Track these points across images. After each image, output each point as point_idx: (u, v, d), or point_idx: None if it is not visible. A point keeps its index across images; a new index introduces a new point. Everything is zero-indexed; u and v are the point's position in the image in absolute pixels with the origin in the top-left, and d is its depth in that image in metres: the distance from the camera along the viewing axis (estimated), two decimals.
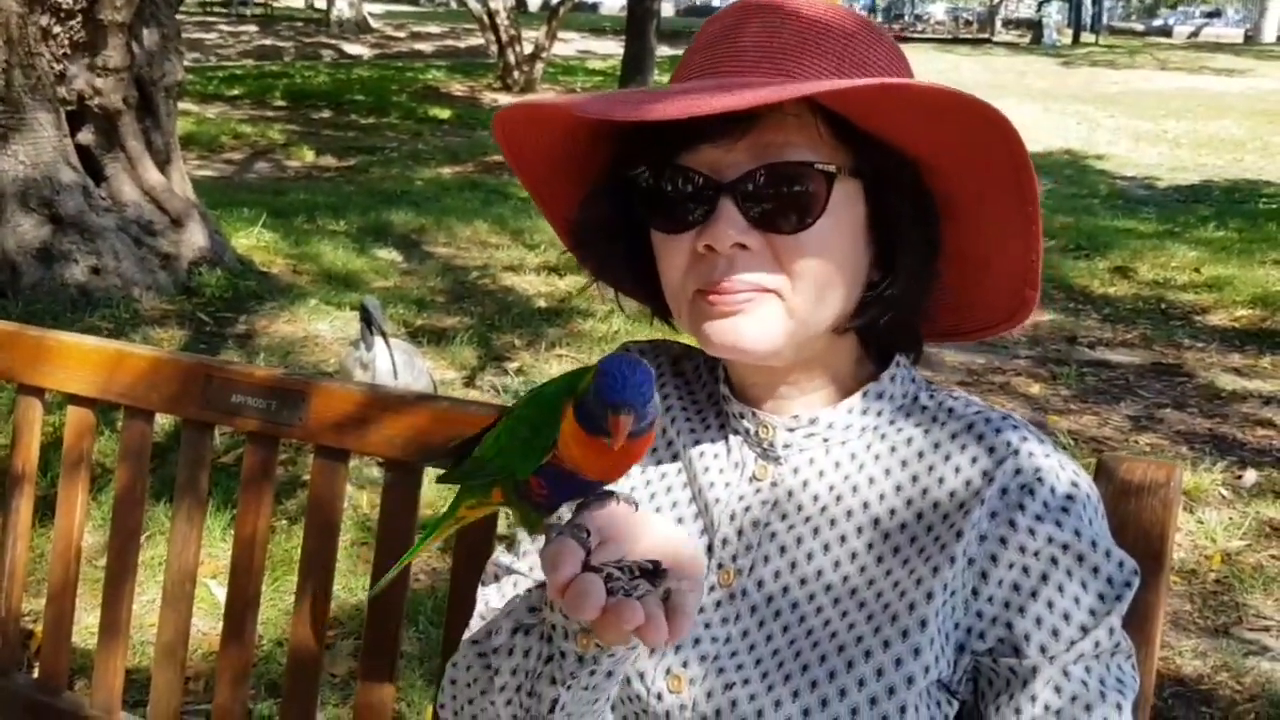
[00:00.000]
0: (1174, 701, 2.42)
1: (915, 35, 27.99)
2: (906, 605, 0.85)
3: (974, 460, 0.89)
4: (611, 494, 0.78)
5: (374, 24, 24.27)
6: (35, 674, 1.76)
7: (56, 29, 4.95)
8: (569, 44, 21.22)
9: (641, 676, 0.90)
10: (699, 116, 0.79)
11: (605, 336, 4.83)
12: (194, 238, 5.34)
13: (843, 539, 0.90)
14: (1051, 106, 14.48)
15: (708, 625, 0.90)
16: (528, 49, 15.58)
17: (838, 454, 0.93)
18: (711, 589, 0.92)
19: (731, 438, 0.96)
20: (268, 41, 20.97)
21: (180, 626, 1.53)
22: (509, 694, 0.87)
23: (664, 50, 16.50)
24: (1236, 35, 30.24)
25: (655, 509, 0.97)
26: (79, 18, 4.95)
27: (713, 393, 0.99)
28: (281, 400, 1.46)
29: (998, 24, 28.72)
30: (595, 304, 5.12)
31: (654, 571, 0.72)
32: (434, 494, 2.97)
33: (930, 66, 18.20)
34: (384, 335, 3.34)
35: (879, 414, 0.94)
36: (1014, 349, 4.88)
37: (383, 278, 5.85)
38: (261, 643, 2.46)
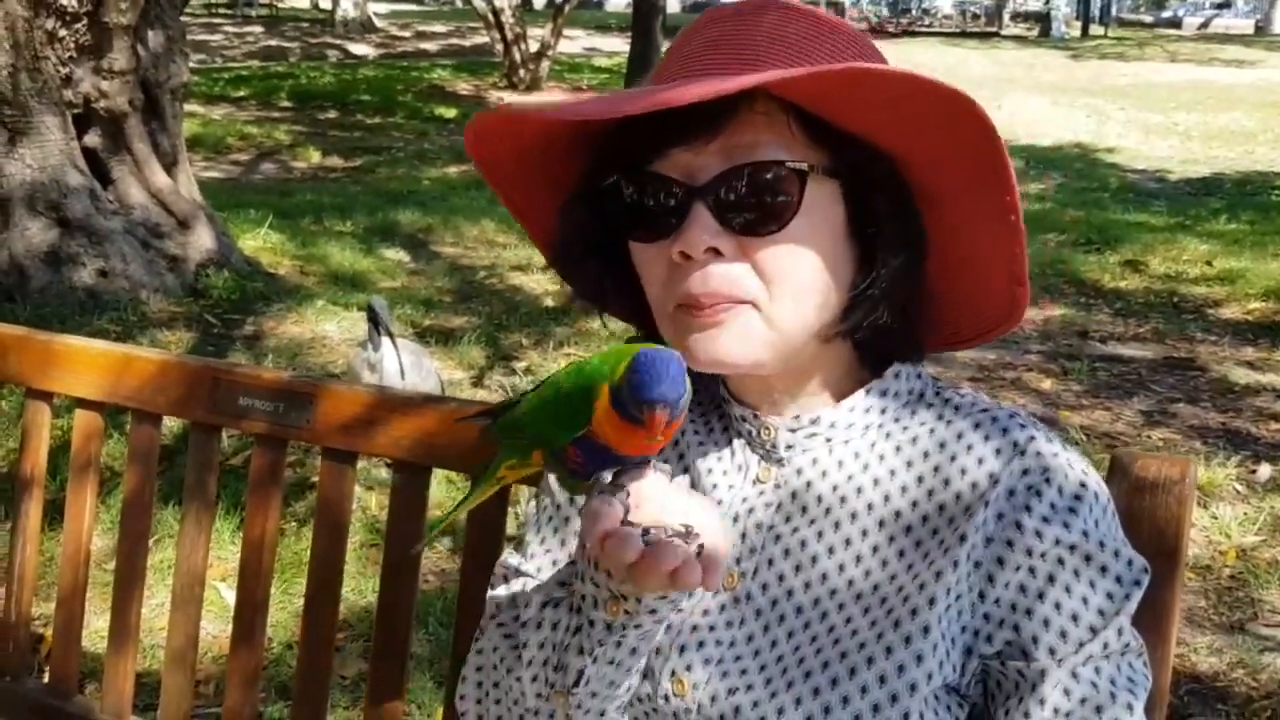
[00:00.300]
0: (1189, 699, 2.40)
1: (922, 29, 27.87)
2: (909, 610, 0.84)
3: (980, 461, 0.87)
4: (647, 461, 0.80)
5: (379, 23, 24.29)
6: (46, 678, 1.77)
7: (62, 32, 4.96)
8: (574, 41, 21.21)
9: (652, 675, 0.90)
10: (667, 121, 0.79)
11: (613, 334, 4.82)
12: (201, 240, 5.35)
13: (848, 542, 0.89)
14: (1060, 99, 14.41)
15: (712, 628, 0.89)
16: (533, 47, 15.57)
17: (841, 453, 0.92)
18: (716, 592, 0.91)
19: (735, 440, 0.95)
20: (273, 42, 21.01)
21: (190, 630, 1.53)
22: (535, 669, 0.88)
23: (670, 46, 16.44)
24: (1246, 26, 30.03)
25: None
26: (84, 21, 4.95)
27: (715, 395, 0.98)
28: (289, 403, 1.46)
29: (1005, 17, 28.57)
30: None
31: (685, 534, 0.75)
32: (442, 494, 2.96)
33: (938, 61, 18.14)
34: (390, 336, 3.33)
35: (883, 411, 0.92)
36: (1025, 344, 4.85)
37: (390, 278, 5.85)
38: (271, 645, 2.46)
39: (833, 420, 0.91)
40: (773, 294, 0.85)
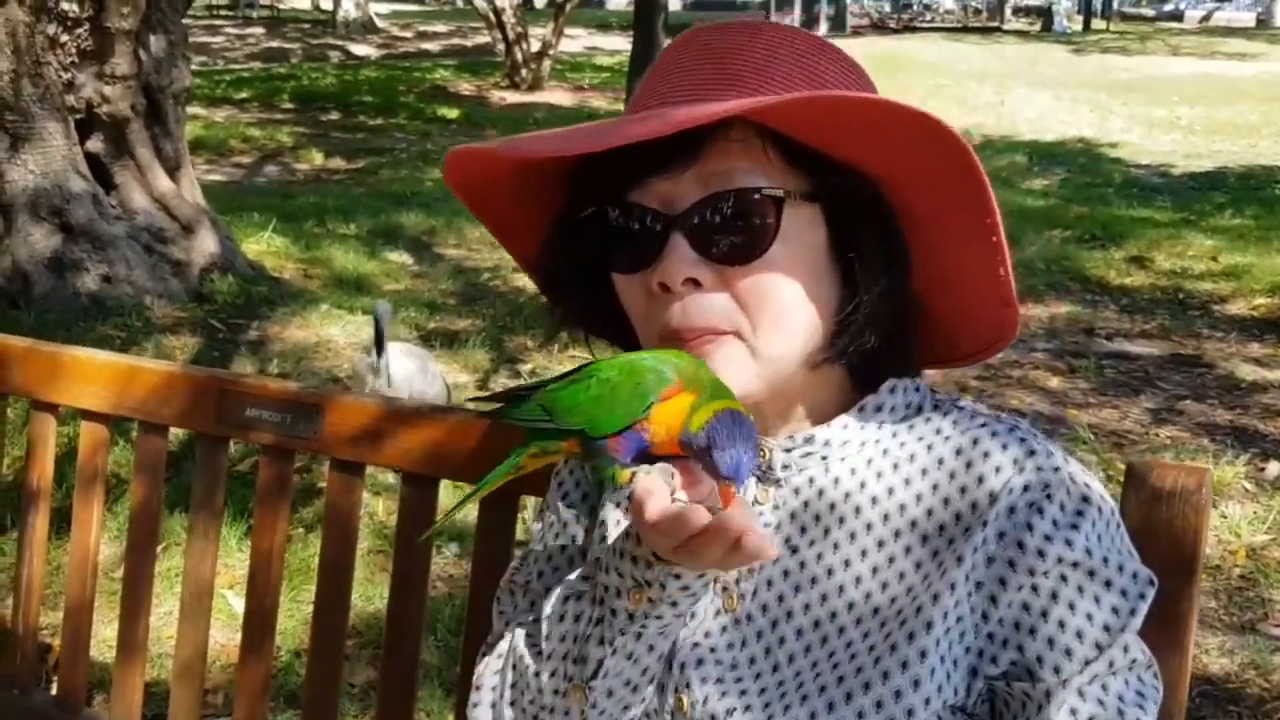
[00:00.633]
0: (1201, 701, 2.39)
1: (924, 25, 27.81)
2: (906, 635, 0.83)
3: (980, 480, 0.86)
4: (683, 457, 0.81)
5: (380, 24, 24.29)
6: (54, 690, 1.76)
7: (64, 37, 4.96)
8: (576, 40, 21.19)
9: (661, 690, 0.89)
10: (643, 150, 0.78)
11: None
12: (205, 244, 5.35)
13: (846, 563, 0.88)
14: (1063, 94, 14.38)
15: (713, 649, 0.89)
16: (535, 46, 15.56)
17: (838, 470, 0.90)
18: (717, 613, 0.91)
19: None
20: (274, 44, 21.01)
21: (198, 642, 1.52)
22: (555, 663, 0.88)
23: None
24: (1248, 19, 29.93)
25: None
26: (86, 26, 4.95)
27: None
28: (296, 413, 1.45)
29: (1007, 12, 28.50)
30: None
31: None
32: (450, 504, 2.95)
33: (940, 56, 18.11)
34: (381, 348, 3.29)
35: (879, 426, 0.91)
36: (1031, 342, 4.84)
37: (394, 281, 5.85)
38: (280, 654, 2.46)
39: (827, 439, 0.90)
40: (755, 323, 0.84)
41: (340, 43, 21.28)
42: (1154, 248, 6.35)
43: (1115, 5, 29.76)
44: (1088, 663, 0.81)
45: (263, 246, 6.16)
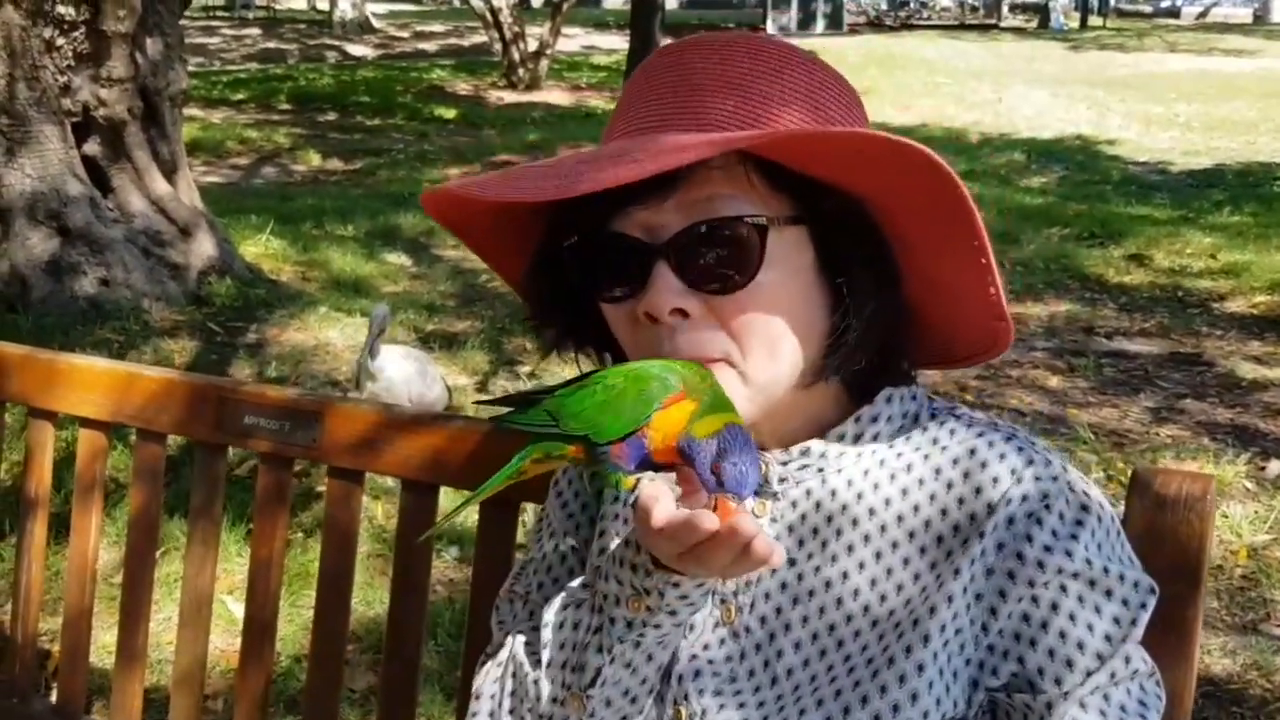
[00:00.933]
0: (1204, 702, 2.38)
1: (921, 22, 27.82)
2: (903, 648, 0.82)
3: (978, 491, 0.85)
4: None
5: (377, 24, 24.26)
6: (53, 697, 1.76)
7: (60, 41, 4.94)
8: (573, 39, 21.17)
9: (660, 701, 0.89)
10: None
11: None
12: (202, 247, 5.34)
13: (845, 576, 0.87)
14: (1060, 92, 14.37)
15: (711, 661, 0.89)
16: (532, 46, 15.54)
17: (835, 482, 0.90)
18: (716, 625, 0.90)
19: None
20: (271, 44, 20.98)
21: (198, 651, 1.52)
22: (554, 670, 0.88)
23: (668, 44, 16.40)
24: (1245, 15, 29.94)
25: None
26: (82, 29, 4.94)
27: None
28: (295, 421, 1.45)
29: (1004, 9, 28.50)
30: None
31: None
32: (450, 508, 2.94)
33: (936, 54, 18.10)
34: (371, 352, 3.28)
35: (875, 437, 0.90)
36: (1030, 340, 4.83)
37: (392, 283, 5.84)
38: (280, 659, 2.45)
39: (823, 450, 0.90)
40: (745, 350, 0.83)
41: (337, 43, 21.26)
42: (1153, 245, 6.35)
43: (1112, 2, 29.76)
44: (1089, 674, 0.81)
45: (260, 249, 6.15)
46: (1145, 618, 0.83)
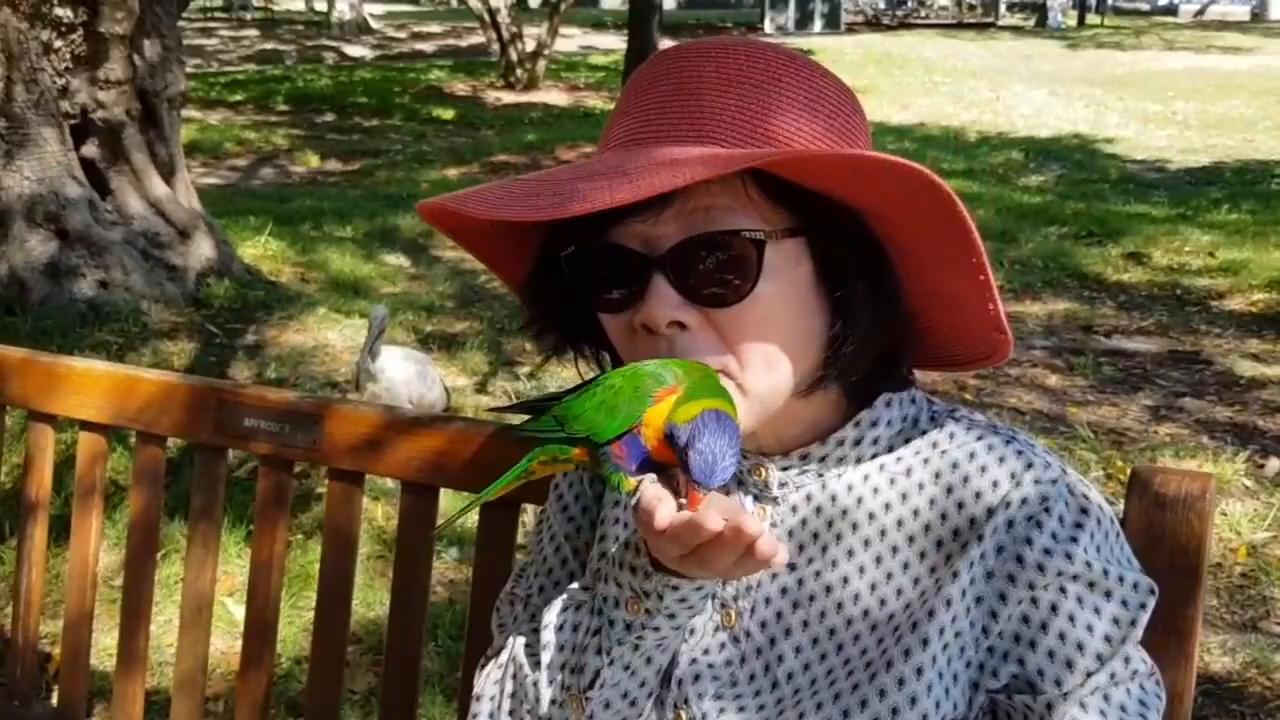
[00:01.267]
0: (1204, 700, 2.39)
1: (918, 21, 27.80)
2: (902, 651, 0.83)
3: (977, 495, 0.85)
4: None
5: (374, 25, 24.25)
6: (54, 700, 1.76)
7: (58, 43, 4.94)
8: (571, 40, 21.16)
9: (659, 707, 0.89)
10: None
11: None
12: (201, 249, 5.33)
13: (844, 580, 0.88)
14: (1058, 90, 14.37)
15: (711, 666, 0.89)
16: (530, 46, 15.54)
17: (834, 487, 0.90)
18: (716, 630, 0.90)
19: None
20: (269, 45, 20.97)
21: (199, 654, 1.52)
22: (553, 672, 0.88)
23: (667, 44, 16.42)
24: (1243, 13, 29.94)
25: None
26: (80, 31, 4.94)
27: None
28: (295, 423, 1.45)
29: (1002, 7, 28.50)
30: None
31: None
32: (451, 509, 2.95)
33: (934, 53, 18.09)
34: (371, 353, 3.28)
35: (875, 442, 0.90)
36: (1029, 339, 4.84)
37: (391, 283, 5.84)
38: (280, 661, 2.45)
39: (822, 455, 0.90)
40: (743, 362, 0.83)
41: (335, 44, 21.24)
42: (1151, 244, 6.35)
43: (1109, 0, 29.76)
44: (1089, 674, 0.81)
45: (259, 250, 6.15)
46: (1145, 618, 0.83)
